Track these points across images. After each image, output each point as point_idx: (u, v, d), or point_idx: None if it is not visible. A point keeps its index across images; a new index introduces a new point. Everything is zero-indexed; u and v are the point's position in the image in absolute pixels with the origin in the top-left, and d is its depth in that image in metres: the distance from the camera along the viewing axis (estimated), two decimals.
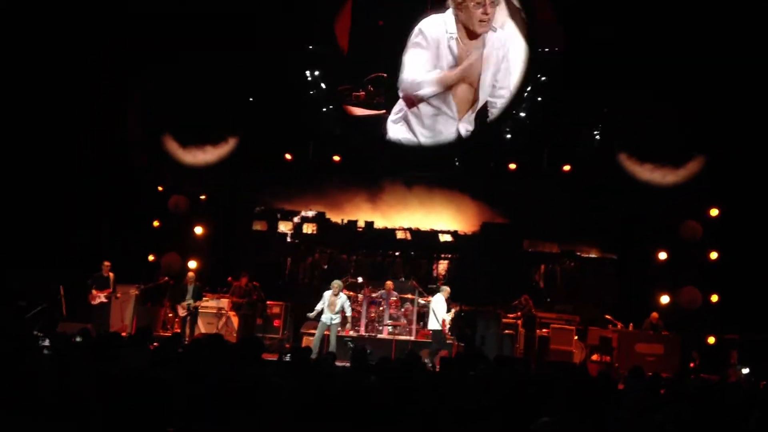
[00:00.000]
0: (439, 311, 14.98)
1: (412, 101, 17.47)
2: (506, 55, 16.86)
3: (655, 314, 16.27)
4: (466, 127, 17.28)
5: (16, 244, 15.60)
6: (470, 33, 16.28)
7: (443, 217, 19.77)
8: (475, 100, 17.08)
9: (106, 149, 17.15)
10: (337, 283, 14.92)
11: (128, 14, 16.22)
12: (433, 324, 15.04)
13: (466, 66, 16.63)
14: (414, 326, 16.04)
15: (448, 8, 16.64)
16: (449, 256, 19.59)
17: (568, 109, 17.32)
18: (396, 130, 17.81)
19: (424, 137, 17.52)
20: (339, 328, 15.09)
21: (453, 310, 15.31)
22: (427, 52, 16.76)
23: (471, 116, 17.23)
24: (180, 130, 17.60)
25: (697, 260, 16.94)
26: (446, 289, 15.45)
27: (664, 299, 16.98)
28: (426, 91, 16.89)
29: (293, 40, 17.33)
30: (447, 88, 17.05)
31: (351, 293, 16.50)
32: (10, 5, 15.22)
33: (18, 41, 15.56)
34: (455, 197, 19.57)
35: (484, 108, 17.42)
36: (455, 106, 17.19)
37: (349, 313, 14.91)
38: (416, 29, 16.94)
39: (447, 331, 15.00)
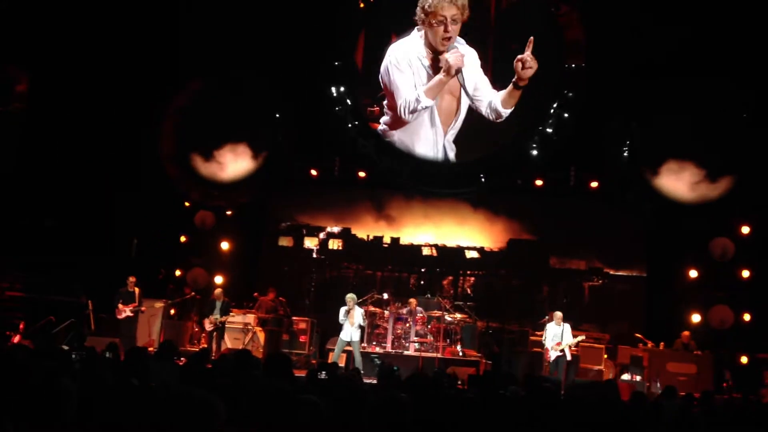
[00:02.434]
0: (548, 339, 14.78)
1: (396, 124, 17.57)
2: (477, 69, 16.94)
3: (686, 333, 16.04)
4: (451, 147, 17.31)
5: (45, 258, 15.72)
6: (435, 51, 16.48)
7: (469, 233, 19.67)
8: (458, 110, 17.07)
9: (133, 166, 17.25)
10: (350, 296, 14.91)
11: (164, 37, 16.44)
12: None
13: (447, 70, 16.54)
14: (441, 344, 15.90)
15: (411, 32, 16.72)
16: (476, 272, 19.48)
17: (596, 125, 17.15)
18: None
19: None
20: (363, 344, 15.21)
21: (578, 337, 15.01)
22: (408, 74, 16.84)
23: (453, 132, 17.21)
24: (208, 147, 17.66)
25: (728, 278, 16.66)
26: (557, 314, 14.92)
27: (695, 318, 16.70)
28: (423, 103, 16.91)
29: (318, 56, 17.39)
30: (435, 96, 16.95)
31: (377, 309, 16.49)
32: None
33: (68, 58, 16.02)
34: (481, 213, 19.48)
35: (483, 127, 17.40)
36: (438, 118, 17.17)
37: (363, 323, 15.04)
38: (387, 62, 16.98)
39: (548, 357, 14.68)
